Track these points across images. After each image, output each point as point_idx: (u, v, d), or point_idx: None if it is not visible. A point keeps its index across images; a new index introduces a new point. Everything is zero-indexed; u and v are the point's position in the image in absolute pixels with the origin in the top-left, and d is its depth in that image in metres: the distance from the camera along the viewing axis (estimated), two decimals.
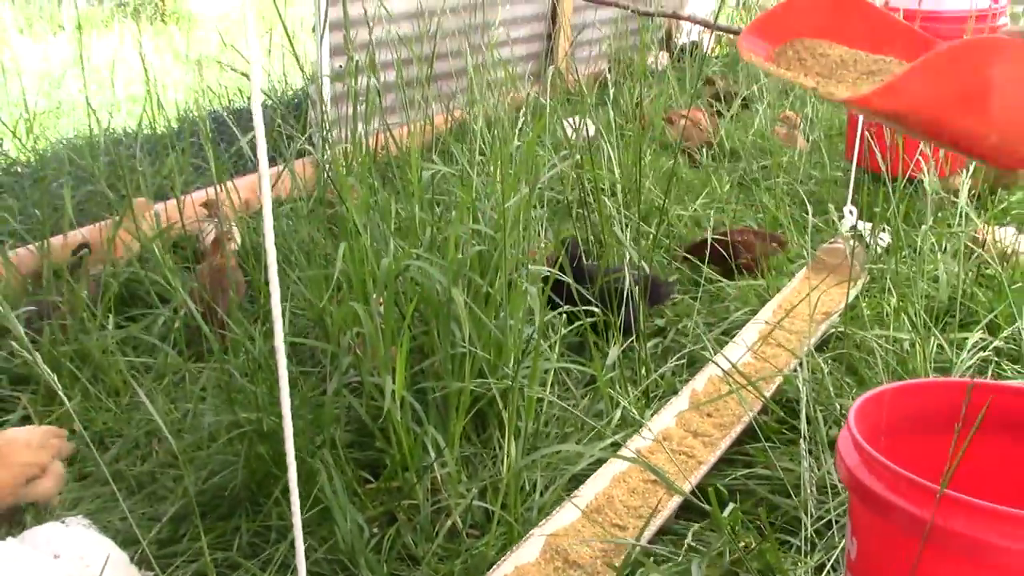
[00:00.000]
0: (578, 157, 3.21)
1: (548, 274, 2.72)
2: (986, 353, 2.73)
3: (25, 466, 2.20)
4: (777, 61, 1.51)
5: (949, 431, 1.86)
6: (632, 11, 6.64)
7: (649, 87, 5.60)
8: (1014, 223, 3.80)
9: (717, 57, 6.89)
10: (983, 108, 1.39)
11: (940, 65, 1.34)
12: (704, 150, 4.85)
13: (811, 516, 2.28)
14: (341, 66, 4.57)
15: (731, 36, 6.68)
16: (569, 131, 3.90)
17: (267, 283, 1.40)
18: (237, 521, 2.36)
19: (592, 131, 4.11)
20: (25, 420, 2.79)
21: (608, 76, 5.25)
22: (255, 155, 1.66)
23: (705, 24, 6.26)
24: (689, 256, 3.57)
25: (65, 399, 2.36)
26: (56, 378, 2.07)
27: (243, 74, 3.97)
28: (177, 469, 2.50)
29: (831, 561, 2.18)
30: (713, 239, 3.49)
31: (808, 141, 5.05)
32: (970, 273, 3.23)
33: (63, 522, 2.18)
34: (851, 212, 3.67)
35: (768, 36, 1.53)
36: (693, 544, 2.27)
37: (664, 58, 6.88)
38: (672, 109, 5.22)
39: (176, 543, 2.33)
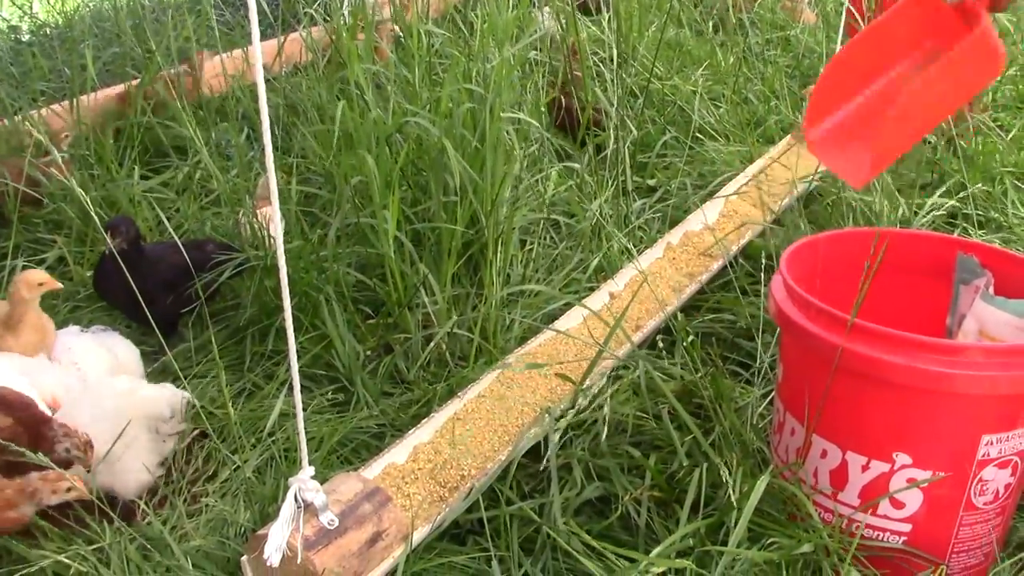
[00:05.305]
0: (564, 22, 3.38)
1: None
2: (939, 213, 2.93)
3: None
4: None
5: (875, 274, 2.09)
6: None
7: None
8: None
9: None
10: None
11: None
12: (710, 23, 4.96)
13: (764, 354, 2.53)
14: None
15: None
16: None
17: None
18: (248, 345, 2.66)
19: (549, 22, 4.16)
20: (61, 260, 3.09)
21: None
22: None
23: None
24: None
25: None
26: (87, 222, 2.31)
27: None
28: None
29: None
30: None
31: (817, 15, 5.15)
32: (941, 144, 3.41)
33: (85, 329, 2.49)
34: None
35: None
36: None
37: None
38: None
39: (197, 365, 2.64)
